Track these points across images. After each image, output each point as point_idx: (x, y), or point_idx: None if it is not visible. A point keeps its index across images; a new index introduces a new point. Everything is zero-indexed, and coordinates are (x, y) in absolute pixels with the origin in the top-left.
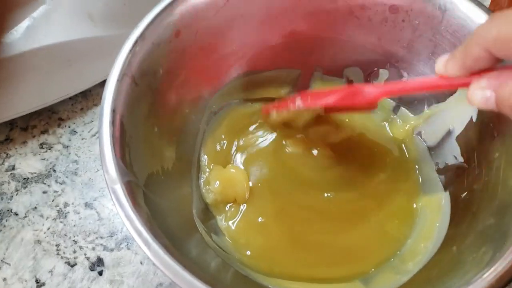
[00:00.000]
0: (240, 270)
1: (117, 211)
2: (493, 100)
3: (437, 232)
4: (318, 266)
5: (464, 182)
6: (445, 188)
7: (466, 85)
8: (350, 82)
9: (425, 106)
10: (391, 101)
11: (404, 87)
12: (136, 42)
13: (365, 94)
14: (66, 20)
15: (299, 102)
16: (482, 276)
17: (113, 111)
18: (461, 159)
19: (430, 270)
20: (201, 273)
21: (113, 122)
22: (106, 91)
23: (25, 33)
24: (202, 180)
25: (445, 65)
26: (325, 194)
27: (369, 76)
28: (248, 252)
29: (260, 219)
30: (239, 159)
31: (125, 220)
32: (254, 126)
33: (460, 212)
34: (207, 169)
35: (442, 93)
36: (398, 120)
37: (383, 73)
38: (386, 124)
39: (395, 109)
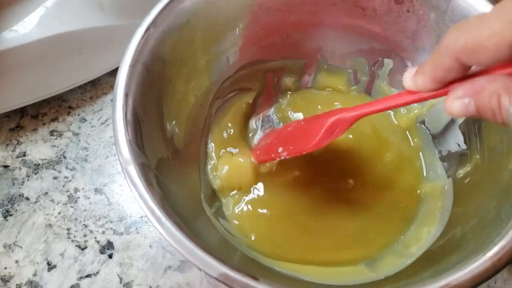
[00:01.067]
0: (247, 253)
1: (131, 191)
2: (472, 107)
3: (440, 217)
4: (323, 251)
5: (467, 169)
6: (448, 175)
7: (438, 96)
8: (355, 72)
9: None
10: (394, 89)
11: (376, 108)
12: (148, 29)
13: (342, 122)
14: (77, 9)
15: (284, 154)
16: (484, 257)
17: (126, 95)
18: (464, 146)
19: (433, 253)
20: (212, 251)
21: (126, 106)
22: (119, 76)
23: (38, 22)
24: (209, 166)
25: (414, 80)
26: (331, 182)
27: (374, 65)
28: (253, 237)
29: (265, 206)
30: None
31: (138, 200)
32: (260, 115)
33: (463, 197)
34: (214, 156)
35: None
36: (402, 109)
37: (388, 62)
38: (391, 112)
39: None
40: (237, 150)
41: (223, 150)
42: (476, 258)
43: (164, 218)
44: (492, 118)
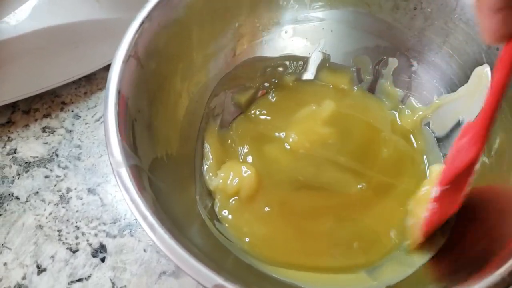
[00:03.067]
0: (243, 258)
1: (122, 195)
2: None
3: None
4: (322, 257)
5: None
6: None
7: None
8: (358, 70)
9: (435, 97)
10: (399, 90)
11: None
12: (142, 23)
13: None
14: (71, 0)
15: None
16: (493, 272)
17: (119, 93)
18: None
19: (436, 262)
20: (206, 259)
21: (118, 104)
22: (111, 72)
23: (30, 14)
24: (205, 167)
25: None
26: (331, 185)
27: (378, 64)
28: (247, 239)
29: (264, 209)
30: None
31: (130, 204)
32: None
33: (468, 204)
34: (211, 156)
35: (453, 83)
36: (406, 110)
37: (393, 62)
38: (396, 113)
39: (404, 99)
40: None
41: (226, 159)
42: (483, 273)
43: (156, 224)
44: None
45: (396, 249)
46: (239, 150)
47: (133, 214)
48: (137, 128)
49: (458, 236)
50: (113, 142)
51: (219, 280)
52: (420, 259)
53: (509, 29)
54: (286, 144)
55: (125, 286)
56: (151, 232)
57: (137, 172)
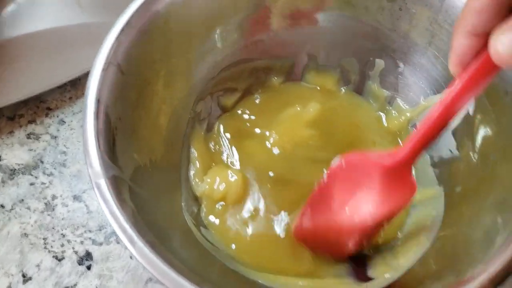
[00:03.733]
0: (229, 264)
1: (101, 208)
2: None
3: (430, 227)
4: (309, 260)
5: (459, 177)
6: (440, 183)
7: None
8: (345, 72)
9: (421, 98)
10: (386, 92)
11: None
12: (122, 30)
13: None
14: (53, 5)
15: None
16: (475, 276)
17: (98, 101)
18: (456, 153)
19: (423, 266)
20: (188, 271)
21: (97, 114)
22: (90, 80)
23: (9, 19)
24: (192, 172)
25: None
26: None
27: (365, 66)
28: (233, 245)
29: (250, 213)
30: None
31: (109, 217)
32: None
33: (454, 207)
34: (198, 162)
35: (439, 84)
36: (393, 111)
37: (379, 63)
38: (383, 114)
39: (391, 101)
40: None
41: (214, 161)
42: (465, 279)
43: (136, 237)
44: None
45: (382, 252)
46: (224, 151)
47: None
48: (118, 136)
49: (442, 239)
50: (92, 153)
51: None
52: (406, 262)
53: (471, 56)
54: (267, 142)
55: None
56: (130, 245)
57: (116, 183)
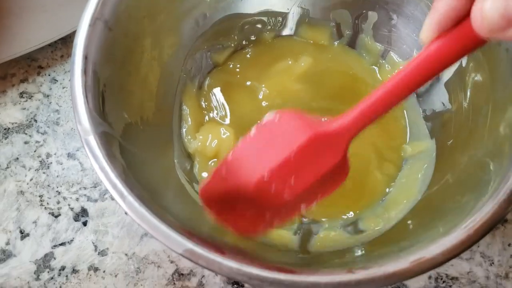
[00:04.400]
0: None
1: (91, 164)
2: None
3: (421, 180)
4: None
5: (451, 130)
6: (432, 136)
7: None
8: (338, 25)
9: (414, 51)
10: (380, 45)
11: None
12: None
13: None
14: None
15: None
16: (462, 226)
17: (85, 58)
18: (449, 106)
19: (412, 219)
20: (178, 225)
21: (85, 71)
22: (77, 37)
23: None
24: (184, 129)
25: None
26: None
27: (358, 18)
28: None
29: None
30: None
31: (99, 172)
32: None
33: (445, 160)
34: (190, 119)
35: None
36: (386, 65)
37: (372, 15)
38: (376, 68)
39: (384, 54)
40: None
41: (206, 117)
42: (452, 230)
43: (126, 192)
44: None
45: (374, 204)
46: (215, 107)
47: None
48: (107, 94)
49: (433, 192)
50: (81, 110)
51: (189, 244)
52: (397, 214)
53: (452, 22)
54: (258, 95)
55: (107, 248)
56: (120, 199)
57: (106, 140)
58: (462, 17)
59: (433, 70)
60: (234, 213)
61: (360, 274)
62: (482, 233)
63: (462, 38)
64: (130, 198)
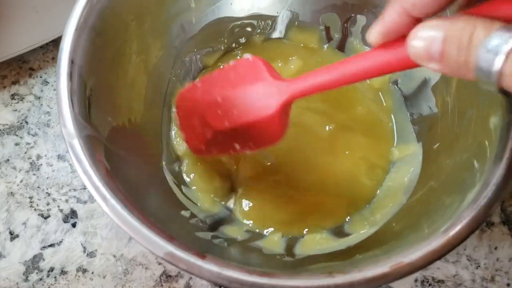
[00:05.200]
0: (209, 222)
1: (75, 167)
2: (438, 42)
3: (407, 184)
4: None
5: (437, 133)
6: (419, 139)
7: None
8: (327, 29)
9: None
10: (368, 48)
11: (324, 82)
12: None
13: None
14: None
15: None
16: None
17: (72, 63)
18: (435, 110)
19: (397, 222)
20: (162, 228)
21: (71, 75)
22: (63, 41)
23: None
24: (173, 132)
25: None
26: (298, 144)
27: (346, 22)
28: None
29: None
30: None
31: (82, 176)
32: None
33: (431, 163)
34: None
35: None
36: None
37: (361, 19)
38: None
39: None
40: None
41: None
42: (436, 231)
43: (109, 195)
44: (455, 57)
45: (360, 208)
46: None
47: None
48: (93, 97)
49: (418, 195)
50: (66, 114)
51: (170, 248)
52: (382, 218)
53: (396, 35)
54: None
55: (96, 250)
56: (103, 202)
57: (91, 143)
58: (404, 34)
59: (370, 72)
60: (190, 126)
61: (339, 279)
62: (461, 237)
63: (398, 53)
64: (113, 201)
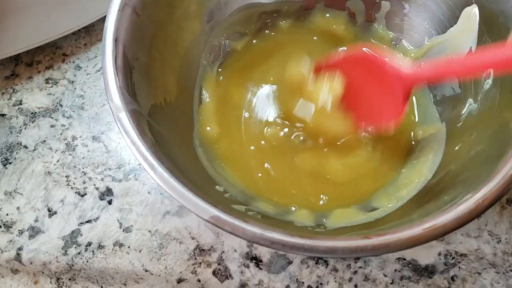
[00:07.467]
0: (240, 198)
1: (123, 138)
2: None
3: (432, 161)
4: (317, 192)
5: (460, 113)
6: (442, 119)
7: None
8: (352, 14)
9: (426, 38)
10: (392, 34)
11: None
12: None
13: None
14: None
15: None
16: (469, 199)
17: (115, 41)
18: (458, 90)
19: (423, 196)
20: (204, 195)
21: (116, 52)
22: (107, 21)
23: None
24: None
25: None
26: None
27: (371, 8)
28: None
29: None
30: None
31: (130, 146)
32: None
33: (454, 141)
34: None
35: (443, 24)
36: (398, 52)
37: (385, 5)
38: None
39: (396, 42)
40: None
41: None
42: (461, 200)
43: (156, 164)
44: None
45: (386, 185)
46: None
47: (136, 158)
48: (135, 75)
49: (442, 171)
50: (112, 88)
51: (215, 211)
52: (408, 194)
53: None
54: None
55: (131, 225)
56: (151, 170)
57: (136, 117)
58: None
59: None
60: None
61: (375, 240)
62: (489, 203)
63: None
64: (161, 169)
